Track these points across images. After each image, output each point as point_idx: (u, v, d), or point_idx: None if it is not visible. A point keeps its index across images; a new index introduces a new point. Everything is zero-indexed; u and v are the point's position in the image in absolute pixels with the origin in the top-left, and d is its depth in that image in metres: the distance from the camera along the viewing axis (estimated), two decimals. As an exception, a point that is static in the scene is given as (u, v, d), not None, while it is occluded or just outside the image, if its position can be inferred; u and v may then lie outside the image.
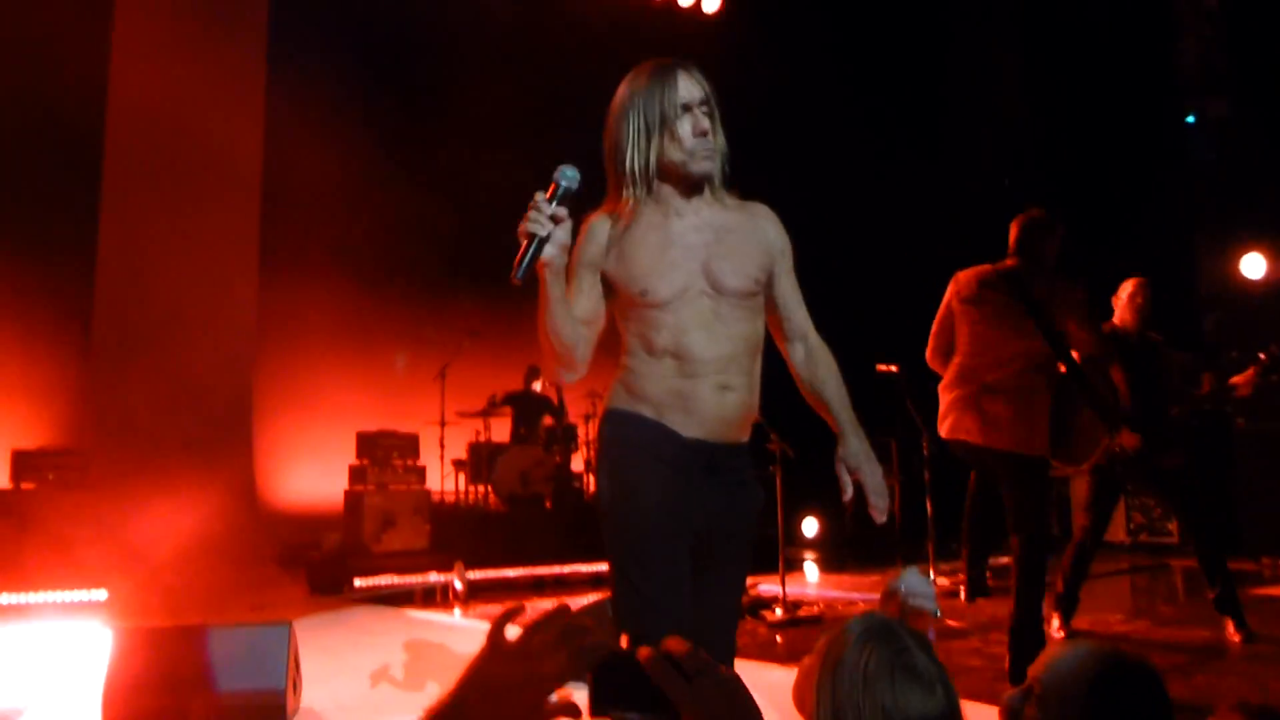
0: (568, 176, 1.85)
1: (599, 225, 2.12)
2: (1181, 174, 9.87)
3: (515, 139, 8.73)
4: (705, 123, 2.07)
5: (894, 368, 6.42)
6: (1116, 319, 4.92)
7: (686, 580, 2.04)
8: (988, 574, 6.10)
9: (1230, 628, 4.58)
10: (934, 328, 4.31)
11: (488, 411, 8.30)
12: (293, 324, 8.35)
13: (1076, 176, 9.66)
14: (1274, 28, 8.92)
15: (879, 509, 2.10)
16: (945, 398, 4.16)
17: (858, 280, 8.98)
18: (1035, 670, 1.48)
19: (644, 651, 0.99)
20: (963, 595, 5.96)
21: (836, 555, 8.35)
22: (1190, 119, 10.38)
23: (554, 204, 1.82)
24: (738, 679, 1.03)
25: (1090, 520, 4.84)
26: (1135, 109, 9.68)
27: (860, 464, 2.12)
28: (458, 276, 8.95)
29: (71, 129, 7.39)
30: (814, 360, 2.22)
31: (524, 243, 1.81)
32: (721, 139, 2.12)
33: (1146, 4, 9.95)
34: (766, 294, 2.18)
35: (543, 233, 1.80)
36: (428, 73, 8.92)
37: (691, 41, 9.61)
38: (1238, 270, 8.59)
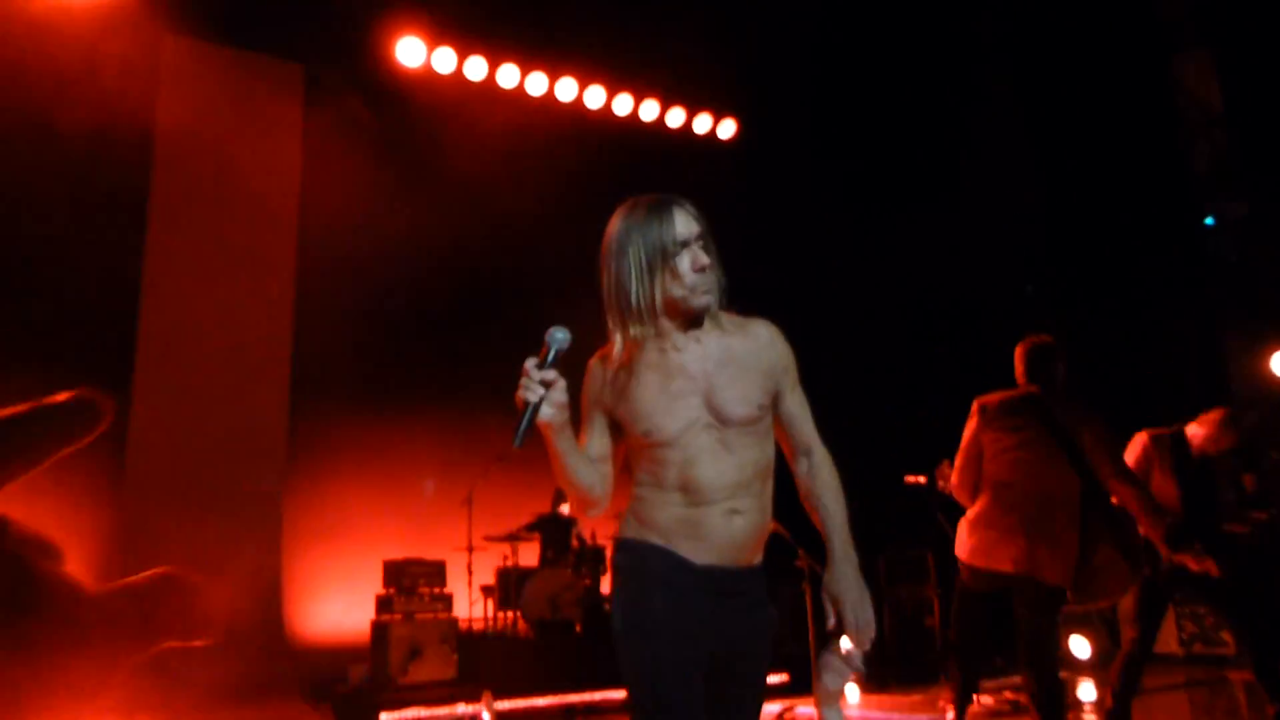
0: (557, 339, 1.94)
1: (599, 367, 2.18)
2: (1205, 276, 9.87)
3: (535, 269, 8.93)
4: (704, 258, 2.09)
5: (923, 479, 6.33)
6: (1193, 433, 4.78)
7: (702, 707, 2.02)
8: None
9: None
10: (959, 460, 4.31)
11: (515, 536, 8.24)
12: (321, 453, 8.41)
13: (1099, 282, 9.68)
14: (1281, 128, 9.05)
15: (858, 643, 2.06)
16: (980, 527, 4.11)
17: (882, 393, 8.96)
18: None
19: None
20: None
21: (878, 674, 8.07)
22: (1209, 221, 10.43)
23: (547, 365, 1.93)
24: None
25: (1138, 631, 4.66)
26: (1154, 213, 9.77)
27: (841, 592, 2.07)
28: (483, 401, 9.01)
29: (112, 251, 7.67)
30: (814, 475, 2.22)
31: (520, 409, 1.91)
32: (719, 271, 2.15)
33: (1156, 112, 10.15)
34: (773, 411, 2.20)
35: (535, 399, 1.91)
36: (452, 193, 9.10)
37: (708, 166, 9.90)
38: (1269, 368, 8.49)
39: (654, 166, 9.47)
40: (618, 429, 2.16)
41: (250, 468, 7.96)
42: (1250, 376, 8.81)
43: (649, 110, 10.14)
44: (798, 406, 2.23)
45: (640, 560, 2.08)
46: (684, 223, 2.09)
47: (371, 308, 8.60)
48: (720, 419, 2.07)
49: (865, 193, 9.94)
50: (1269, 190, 9.50)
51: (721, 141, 10.55)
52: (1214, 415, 4.79)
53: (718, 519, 2.04)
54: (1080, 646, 7.67)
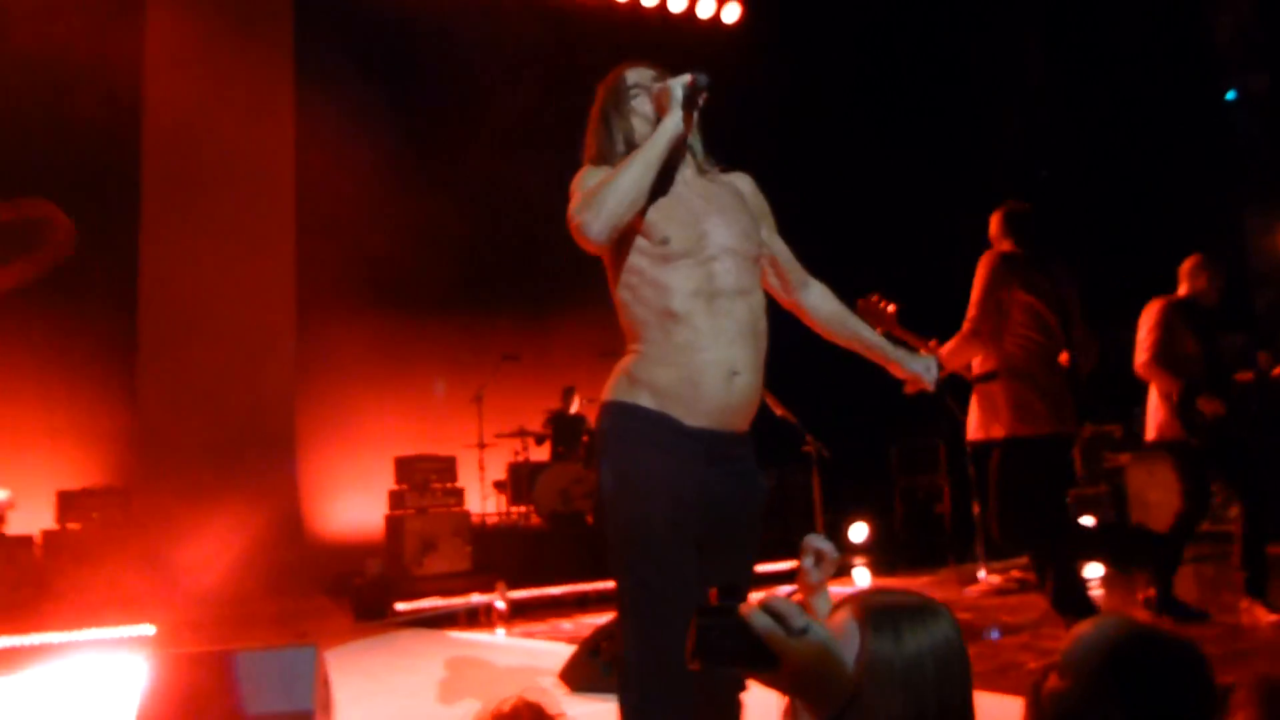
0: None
1: (597, 168, 2.12)
2: (1225, 151, 9.61)
3: (541, 157, 8.73)
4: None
5: (931, 363, 6.30)
6: (1189, 290, 4.71)
7: (694, 572, 1.97)
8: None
9: (1261, 612, 4.38)
10: (980, 309, 4.12)
11: (527, 433, 8.29)
12: (331, 354, 8.39)
13: (1117, 161, 9.43)
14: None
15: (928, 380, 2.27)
16: (1038, 392, 4.05)
17: (889, 282, 8.82)
18: (1062, 644, 1.44)
19: (746, 606, 1.01)
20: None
21: (887, 559, 8.17)
22: (1231, 95, 10.12)
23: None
24: (834, 639, 1.03)
25: (1185, 504, 4.60)
26: (1174, 88, 9.45)
27: (920, 361, 2.27)
28: (492, 300, 8.97)
29: (107, 159, 7.52)
30: (827, 298, 2.29)
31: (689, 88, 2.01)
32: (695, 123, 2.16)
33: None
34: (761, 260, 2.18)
35: (704, 82, 2.01)
36: (453, 92, 8.96)
37: (712, 51, 9.58)
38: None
39: (656, 51, 9.15)
40: (621, 242, 2.03)
41: (261, 369, 7.93)
42: (1268, 254, 8.64)
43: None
44: (784, 246, 2.27)
45: (629, 421, 2.00)
46: (635, 75, 2.17)
47: (376, 204, 8.47)
48: (722, 250, 2.03)
49: (872, 75, 9.65)
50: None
51: (726, 25, 10.21)
52: (1188, 265, 4.72)
53: (717, 380, 1.97)
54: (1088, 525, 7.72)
